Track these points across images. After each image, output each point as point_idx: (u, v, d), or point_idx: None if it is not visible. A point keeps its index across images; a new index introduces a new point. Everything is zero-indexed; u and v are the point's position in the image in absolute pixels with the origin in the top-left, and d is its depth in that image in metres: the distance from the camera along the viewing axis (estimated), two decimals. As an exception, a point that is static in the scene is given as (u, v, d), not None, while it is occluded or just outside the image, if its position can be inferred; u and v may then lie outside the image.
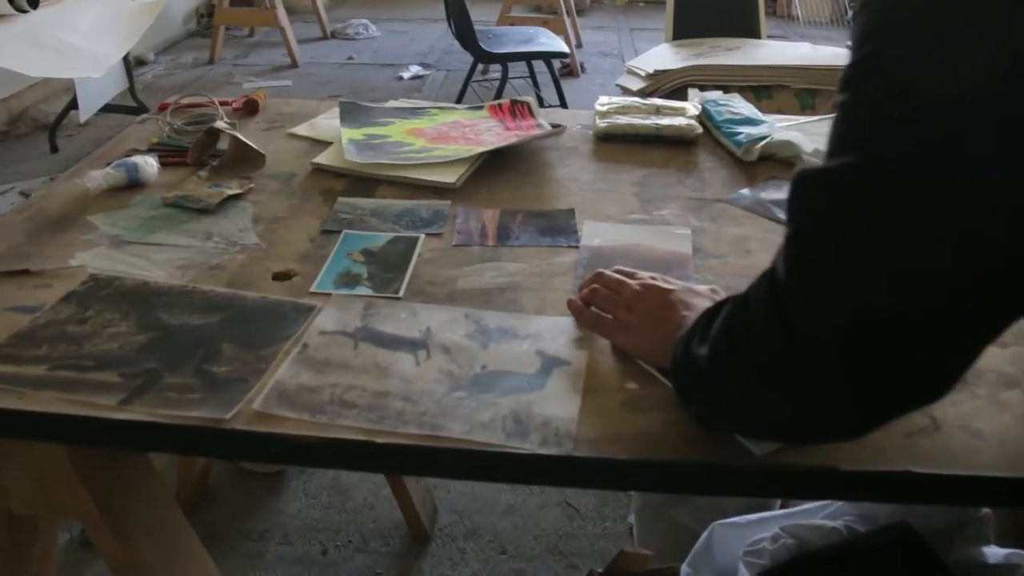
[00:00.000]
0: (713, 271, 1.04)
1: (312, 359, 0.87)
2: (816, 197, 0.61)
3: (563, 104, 3.74)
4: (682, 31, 3.19)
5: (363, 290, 0.99)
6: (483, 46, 3.45)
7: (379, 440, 0.77)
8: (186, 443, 0.83)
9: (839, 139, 0.60)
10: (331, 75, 5.06)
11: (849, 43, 0.60)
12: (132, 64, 3.93)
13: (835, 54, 2.89)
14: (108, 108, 3.67)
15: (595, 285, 0.94)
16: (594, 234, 1.12)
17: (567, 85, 4.61)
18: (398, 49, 5.62)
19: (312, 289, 0.99)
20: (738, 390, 0.69)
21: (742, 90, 2.79)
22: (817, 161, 1.19)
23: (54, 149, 3.80)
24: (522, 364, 0.87)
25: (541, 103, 3.97)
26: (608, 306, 0.91)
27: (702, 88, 2.83)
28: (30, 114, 4.12)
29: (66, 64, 2.36)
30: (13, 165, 3.66)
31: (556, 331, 0.92)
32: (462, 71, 4.18)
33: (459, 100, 4.00)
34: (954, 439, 0.78)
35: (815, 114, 2.83)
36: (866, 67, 0.58)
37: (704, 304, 0.83)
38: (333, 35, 5.91)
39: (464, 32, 3.43)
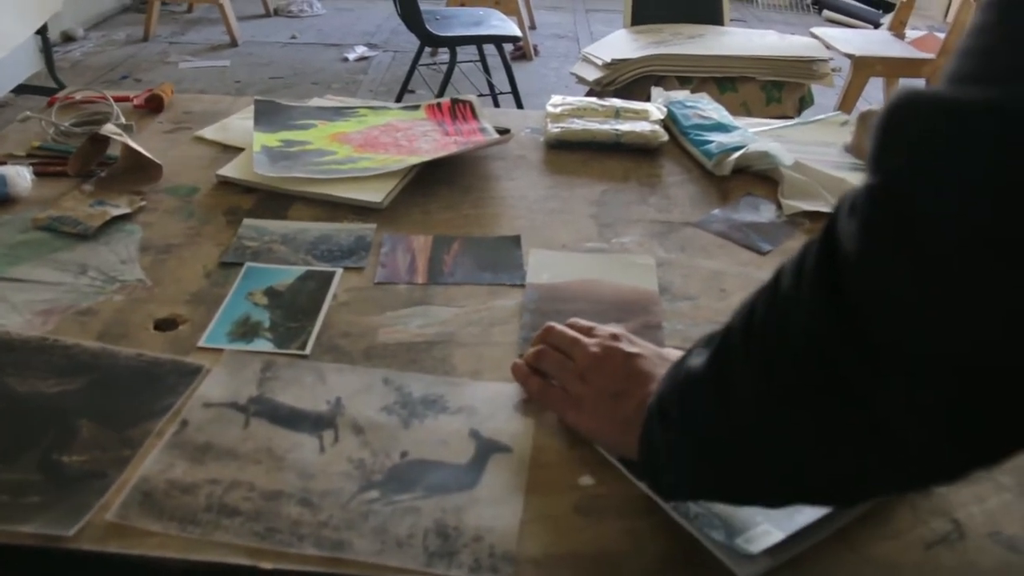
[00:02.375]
0: (683, 316, 0.88)
1: (190, 443, 0.70)
2: (932, 136, 0.39)
3: (514, 90, 3.55)
4: (641, 15, 3.02)
5: (263, 344, 0.82)
6: (430, 29, 3.25)
7: (265, 565, 0.60)
8: (11, 570, 0.64)
9: (988, 52, 0.40)
10: (272, 55, 4.82)
11: None
12: (56, 42, 3.67)
13: (804, 44, 2.75)
14: (24, 88, 3.41)
15: (543, 345, 0.77)
16: (542, 268, 0.95)
17: (520, 69, 4.43)
18: (344, 28, 5.38)
19: (201, 343, 0.81)
20: (756, 402, 0.50)
21: (704, 81, 2.65)
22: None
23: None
24: (451, 450, 0.70)
25: (492, 89, 3.80)
26: (558, 373, 0.74)
27: (661, 78, 2.68)
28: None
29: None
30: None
31: (495, 402, 0.75)
32: (410, 52, 3.97)
33: (405, 84, 3.81)
34: (982, 551, 0.63)
35: (781, 109, 2.69)
36: None
37: None
38: (276, 12, 5.65)
39: (410, 13, 3.23)
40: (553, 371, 0.75)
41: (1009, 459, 0.43)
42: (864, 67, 3.33)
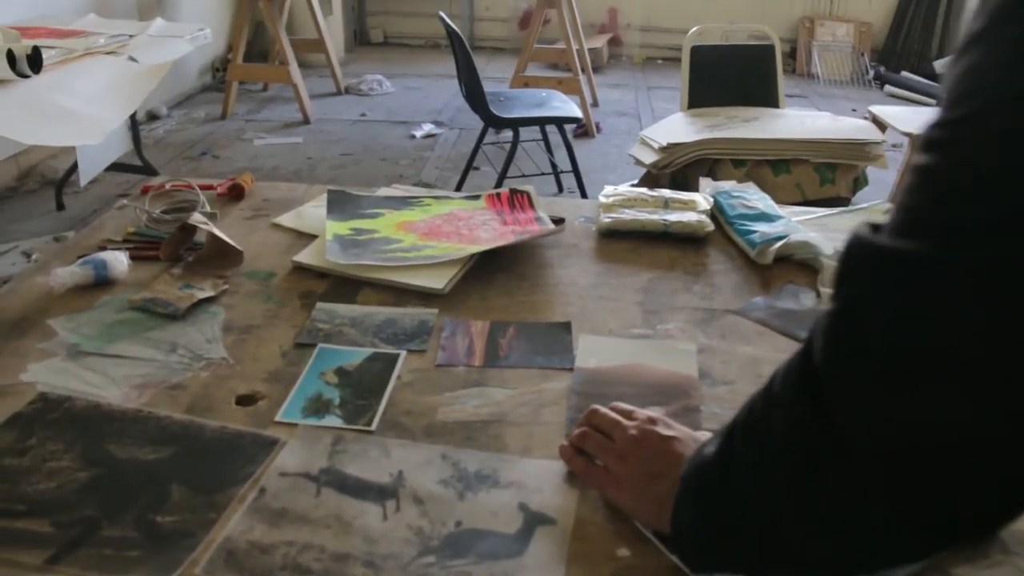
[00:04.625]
0: (721, 401, 0.94)
1: (268, 508, 0.78)
2: (875, 276, 0.49)
3: (575, 169, 3.67)
4: (698, 98, 3.12)
5: (333, 420, 0.90)
6: (494, 110, 3.39)
7: (332, 621, 0.67)
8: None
9: (915, 211, 0.49)
10: (343, 132, 5.02)
11: (940, 93, 0.50)
12: (142, 121, 3.90)
13: (857, 126, 2.81)
14: (115, 167, 3.63)
15: (586, 428, 0.84)
16: (590, 353, 1.03)
17: (582, 146, 4.55)
18: (411, 106, 5.59)
19: (277, 418, 0.90)
20: (753, 484, 0.60)
21: (759, 164, 2.72)
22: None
23: (60, 207, 3.76)
24: (501, 521, 0.77)
25: (554, 169, 3.93)
26: (600, 452, 0.82)
27: (716, 161, 2.76)
28: (39, 170, 4.09)
29: (63, 131, 2.31)
30: (17, 223, 3.62)
31: (542, 478, 0.83)
32: (475, 130, 4.12)
33: (470, 162, 3.94)
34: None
35: (835, 190, 2.75)
36: (968, 128, 0.47)
37: None
38: (347, 90, 5.89)
39: (475, 96, 3.37)
40: (595, 451, 0.82)
41: (969, 542, 0.51)
42: (921, 147, 3.36)
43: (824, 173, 2.66)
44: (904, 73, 6.31)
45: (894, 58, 6.59)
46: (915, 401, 0.47)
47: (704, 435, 0.81)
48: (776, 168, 2.65)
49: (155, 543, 0.74)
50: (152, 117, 5.12)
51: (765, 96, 3.10)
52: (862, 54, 6.56)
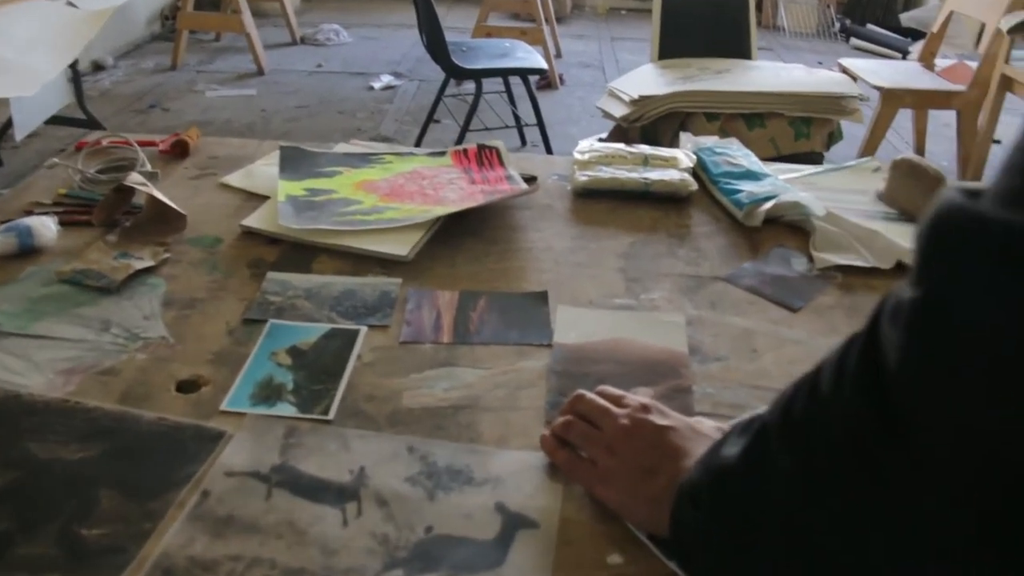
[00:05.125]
0: (713, 379, 0.86)
1: (212, 515, 0.68)
2: (976, 256, 0.39)
3: (540, 122, 3.55)
4: (668, 49, 3.01)
5: (285, 408, 0.80)
6: (456, 61, 3.26)
7: (285, 651, 0.58)
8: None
9: None
10: (298, 84, 4.85)
11: None
12: (85, 71, 3.71)
13: (832, 79, 2.73)
14: (56, 120, 3.45)
15: (571, 416, 0.75)
16: (569, 326, 0.94)
17: (545, 98, 4.43)
18: (369, 57, 5.41)
19: (223, 407, 0.80)
20: (791, 495, 0.50)
21: (732, 118, 2.63)
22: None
23: (-1, 162, 3.58)
24: (477, 525, 0.68)
25: (517, 121, 3.80)
26: (586, 445, 0.73)
27: (688, 115, 2.67)
28: (-25, 124, 3.89)
29: (-6, 82, 2.15)
30: (-47, 180, 3.43)
31: (521, 473, 0.74)
32: (435, 81, 3.98)
33: (431, 114, 3.81)
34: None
35: (810, 144, 2.67)
36: None
37: None
38: (302, 40, 5.70)
39: (436, 46, 3.24)
40: (581, 443, 0.73)
41: None
42: (893, 99, 3.31)
43: (799, 127, 2.58)
44: (870, 26, 6.23)
45: (859, 10, 6.50)
46: (1017, 421, 0.38)
47: (703, 423, 0.72)
48: (750, 122, 2.56)
49: (79, 562, 0.64)
50: (97, 68, 4.90)
51: (737, 47, 2.99)
52: (828, 6, 6.46)
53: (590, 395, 0.76)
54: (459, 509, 0.70)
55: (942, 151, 3.89)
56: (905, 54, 5.25)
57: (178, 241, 1.09)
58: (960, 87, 3.38)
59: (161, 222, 1.11)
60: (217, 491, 0.71)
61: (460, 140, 3.48)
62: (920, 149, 3.82)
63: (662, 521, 0.62)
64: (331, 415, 0.79)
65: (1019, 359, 0.37)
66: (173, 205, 1.10)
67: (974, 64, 3.43)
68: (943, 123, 3.97)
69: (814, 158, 2.65)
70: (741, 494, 0.54)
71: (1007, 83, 3.22)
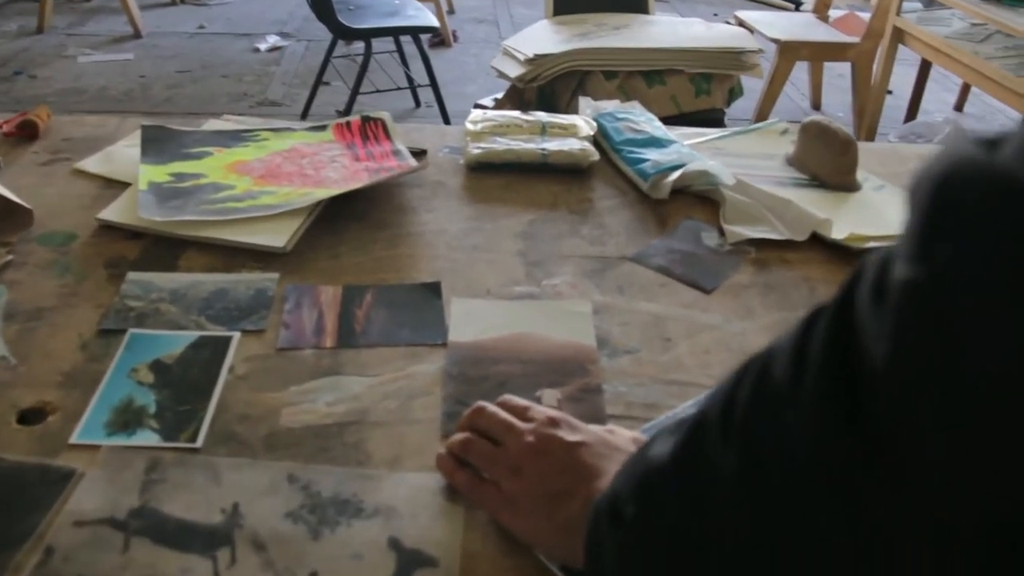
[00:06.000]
0: (624, 375, 0.79)
1: None
2: (999, 225, 0.30)
3: (433, 83, 3.42)
4: (564, 4, 2.91)
5: (147, 436, 0.70)
6: (342, 20, 3.10)
7: None
8: None
9: None
10: (179, 47, 4.59)
11: None
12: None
13: (732, 33, 2.68)
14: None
15: (469, 434, 0.67)
16: (466, 321, 0.86)
17: (438, 56, 4.30)
18: (254, 16, 5.16)
19: (73, 439, 0.70)
20: (734, 508, 0.41)
21: (631, 75, 2.56)
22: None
23: None
24: (368, 567, 0.60)
25: (410, 82, 3.67)
26: (488, 466, 0.65)
27: (586, 73, 2.59)
28: None
29: None
30: None
31: (416, 499, 0.66)
32: (324, 41, 3.81)
33: (319, 77, 3.65)
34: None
35: (711, 101, 2.63)
36: None
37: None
38: (182, 1, 5.40)
39: (321, 4, 3.08)
40: (483, 464, 0.65)
41: None
42: (790, 52, 3.30)
43: (699, 84, 2.53)
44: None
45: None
46: None
47: (620, 433, 0.66)
48: (649, 79, 2.50)
49: None
50: (-44, 33, 4.56)
51: (634, 2, 2.92)
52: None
53: (491, 408, 0.68)
54: (347, 548, 0.61)
55: (837, 102, 3.92)
56: (798, 5, 5.27)
57: (24, 240, 0.96)
58: (855, 39, 3.39)
59: (3, 218, 0.98)
60: (64, 546, 0.61)
61: (351, 104, 3.34)
62: (816, 102, 3.84)
63: (575, 549, 0.55)
64: (199, 442, 0.70)
65: None
66: (16, 199, 0.98)
67: (865, 16, 3.44)
68: (837, 74, 3.99)
69: (715, 115, 2.61)
70: (673, 497, 0.45)
71: (899, 35, 3.24)
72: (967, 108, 4.02)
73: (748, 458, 0.41)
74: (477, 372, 0.79)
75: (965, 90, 3.95)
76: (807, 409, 0.37)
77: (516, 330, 0.85)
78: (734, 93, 2.72)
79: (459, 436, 0.67)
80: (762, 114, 3.28)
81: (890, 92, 3.56)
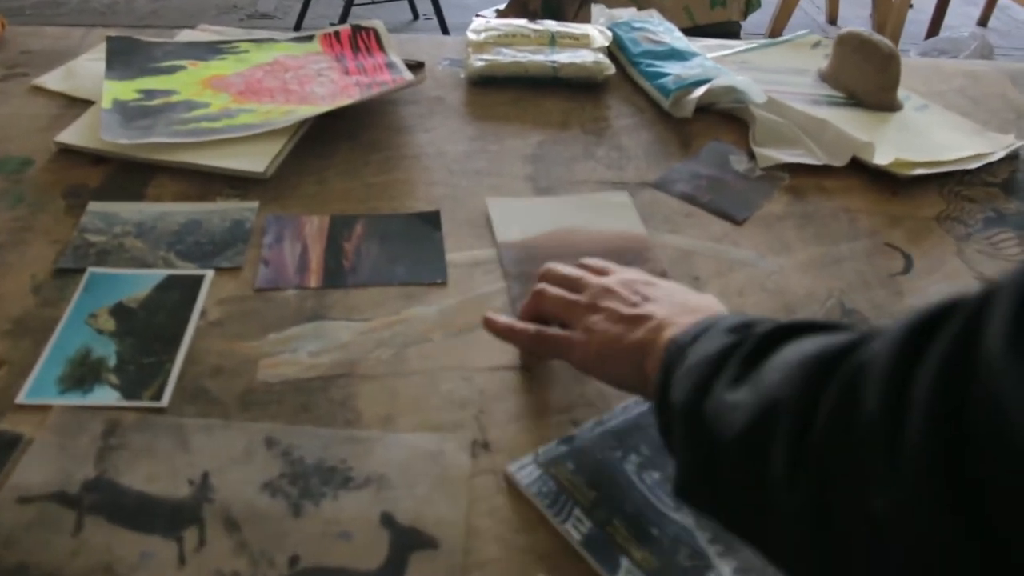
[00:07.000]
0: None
1: (-3, 563, 0.50)
2: None
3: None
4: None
5: (106, 394, 0.62)
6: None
7: None
8: None
9: None
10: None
11: None
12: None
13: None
14: None
15: (542, 285, 0.62)
16: (509, 221, 0.79)
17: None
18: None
19: (21, 398, 0.61)
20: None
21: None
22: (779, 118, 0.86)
23: None
24: (357, 548, 0.52)
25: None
26: (564, 311, 0.59)
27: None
28: None
29: None
30: None
31: (412, 466, 0.57)
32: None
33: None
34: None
35: (726, 13, 2.47)
36: None
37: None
38: (168, -93, 5.16)
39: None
40: (558, 310, 0.60)
41: None
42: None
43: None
44: None
45: None
46: None
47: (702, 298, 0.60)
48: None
49: None
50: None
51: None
52: None
53: (562, 266, 0.63)
54: (334, 526, 0.53)
55: (855, 16, 3.75)
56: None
57: (-26, 165, 0.86)
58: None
59: (-49, 141, 0.88)
60: (6, 528, 0.52)
61: (345, 13, 3.18)
62: (833, 16, 3.66)
63: (643, 374, 0.52)
64: (164, 400, 0.61)
65: None
66: (-36, 119, 0.87)
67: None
68: (854, -16, 3.81)
69: (731, 28, 2.46)
70: (731, 475, 0.41)
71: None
72: (992, 23, 3.84)
73: (819, 505, 0.34)
74: (537, 269, 0.69)
75: (991, 3, 3.76)
76: (903, 484, 0.29)
77: (561, 225, 0.79)
78: (751, 5, 2.56)
79: (534, 290, 0.62)
80: (776, 29, 3.12)
81: (911, 5, 3.39)
